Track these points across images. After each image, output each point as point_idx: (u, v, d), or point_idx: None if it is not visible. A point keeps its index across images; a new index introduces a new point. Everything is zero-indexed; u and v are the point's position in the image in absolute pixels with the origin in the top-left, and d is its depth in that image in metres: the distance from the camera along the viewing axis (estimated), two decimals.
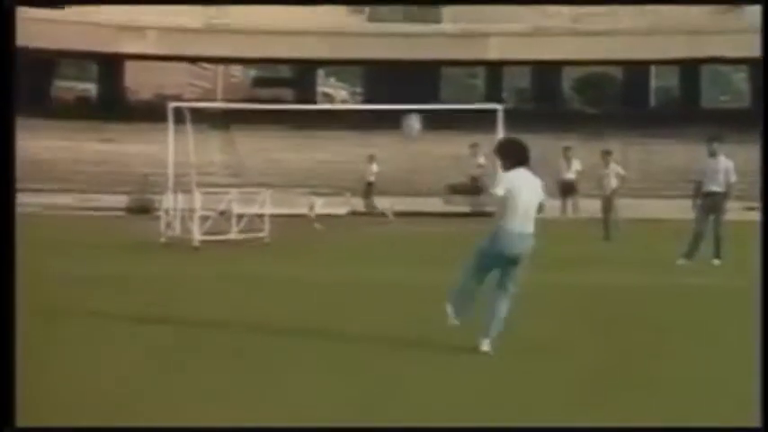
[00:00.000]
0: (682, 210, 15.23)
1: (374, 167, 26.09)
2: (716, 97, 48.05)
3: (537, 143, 36.10)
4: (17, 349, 4.20)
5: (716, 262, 12.66)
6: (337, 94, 74.41)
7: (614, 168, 17.10)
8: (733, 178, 12.91)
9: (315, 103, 46.14)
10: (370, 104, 38.33)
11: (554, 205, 17.37)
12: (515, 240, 6.29)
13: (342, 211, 24.09)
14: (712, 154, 12.92)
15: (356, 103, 67.42)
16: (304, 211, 21.22)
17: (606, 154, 17.38)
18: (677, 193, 31.14)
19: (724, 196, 12.81)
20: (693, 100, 42.97)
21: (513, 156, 6.48)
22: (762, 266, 6.73)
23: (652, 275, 11.54)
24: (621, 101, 44.36)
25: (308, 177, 33.60)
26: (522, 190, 6.33)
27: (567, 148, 20.82)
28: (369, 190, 25.66)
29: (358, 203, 25.08)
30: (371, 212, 24.22)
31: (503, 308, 6.42)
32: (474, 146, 23.87)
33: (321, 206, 21.64)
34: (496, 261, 6.35)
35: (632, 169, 24.65)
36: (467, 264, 6.51)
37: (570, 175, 19.97)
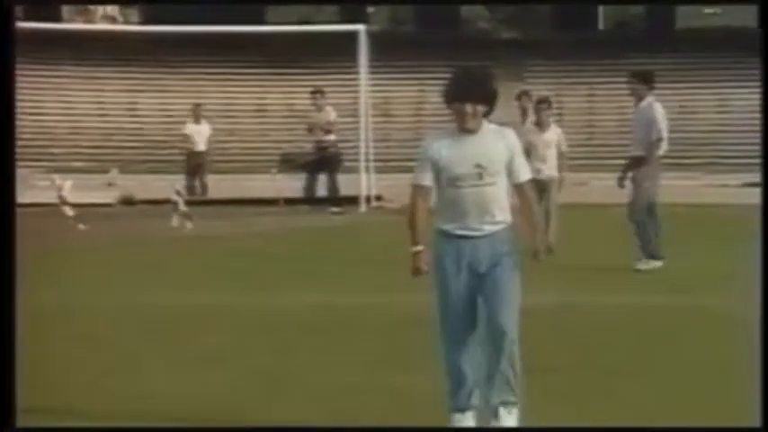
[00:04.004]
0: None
1: (203, 127, 25.82)
2: (697, 11, 49.76)
3: (424, 87, 36.43)
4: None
5: (654, 264, 13.83)
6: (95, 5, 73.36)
7: (554, 135, 15.55)
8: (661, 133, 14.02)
9: (60, 18, 45.43)
10: (145, 24, 38.14)
11: None
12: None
13: (108, 198, 23.89)
14: (640, 99, 14.04)
15: (129, 19, 66.69)
16: (42, 198, 20.91)
17: (541, 104, 15.85)
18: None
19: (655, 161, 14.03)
20: (663, 18, 44.59)
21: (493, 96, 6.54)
22: (762, 261, 7.73)
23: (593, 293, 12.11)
24: (553, 20, 45.57)
25: (47, 140, 33.13)
26: None
27: (523, 95, 18.34)
28: (196, 165, 25.24)
29: (139, 185, 24.89)
30: (193, 200, 23.96)
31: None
32: (317, 93, 23.80)
33: (71, 191, 21.34)
34: None
35: (570, 128, 25.54)
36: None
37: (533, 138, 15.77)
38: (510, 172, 6.47)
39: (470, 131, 6.40)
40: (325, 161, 22.77)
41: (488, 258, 6.45)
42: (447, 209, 6.47)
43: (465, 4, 39.50)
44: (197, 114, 25.89)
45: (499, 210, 6.46)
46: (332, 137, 22.89)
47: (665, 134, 14.04)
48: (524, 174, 6.53)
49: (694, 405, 7.40)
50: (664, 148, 14.15)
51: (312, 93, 23.71)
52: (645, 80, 14.46)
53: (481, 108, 6.38)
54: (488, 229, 6.44)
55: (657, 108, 14.15)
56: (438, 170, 6.43)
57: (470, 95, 6.37)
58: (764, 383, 6.16)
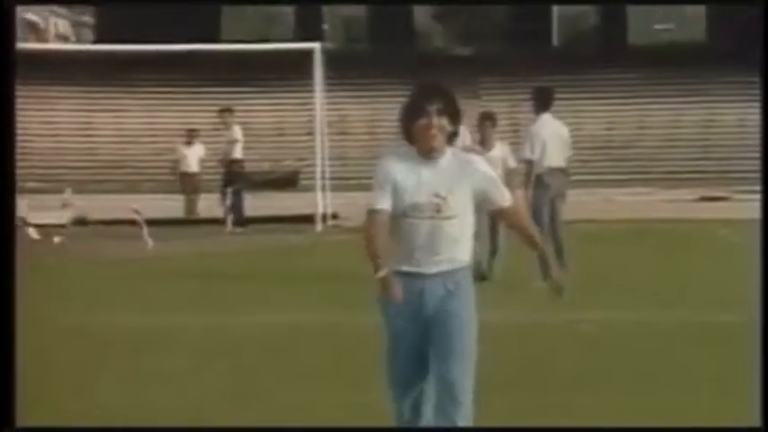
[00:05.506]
0: (595, 204, 15.97)
1: (198, 151, 25.79)
2: (649, 28, 50.13)
3: (379, 105, 36.45)
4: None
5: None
6: (47, 24, 73.16)
7: (499, 153, 14.65)
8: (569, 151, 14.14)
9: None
10: (98, 43, 37.99)
11: None
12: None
13: (63, 218, 23.74)
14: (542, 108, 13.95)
15: (82, 38, 66.47)
16: None
17: (486, 121, 14.99)
18: (594, 177, 32.56)
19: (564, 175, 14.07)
20: (617, 33, 44.85)
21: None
22: (762, 264, 7.93)
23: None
24: (507, 35, 45.73)
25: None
26: None
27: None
28: (190, 187, 25.33)
29: (93, 205, 24.72)
30: (194, 219, 24.10)
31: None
32: (225, 111, 23.83)
33: (27, 211, 21.25)
34: None
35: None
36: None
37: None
38: (490, 202, 5.79)
39: (433, 154, 5.69)
40: (232, 179, 23.01)
41: (438, 299, 5.74)
42: (397, 243, 5.74)
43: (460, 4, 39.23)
44: (190, 137, 25.88)
45: (457, 250, 5.74)
46: (238, 155, 23.14)
47: (543, 153, 13.70)
48: (506, 197, 5.82)
49: (655, 417, 7.40)
50: (542, 166, 13.78)
51: (219, 111, 23.94)
52: (534, 97, 14.33)
53: (447, 125, 5.67)
54: (443, 268, 5.73)
55: (533, 129, 13.95)
56: (395, 196, 5.69)
57: (438, 108, 5.65)
58: (764, 383, 6.25)
